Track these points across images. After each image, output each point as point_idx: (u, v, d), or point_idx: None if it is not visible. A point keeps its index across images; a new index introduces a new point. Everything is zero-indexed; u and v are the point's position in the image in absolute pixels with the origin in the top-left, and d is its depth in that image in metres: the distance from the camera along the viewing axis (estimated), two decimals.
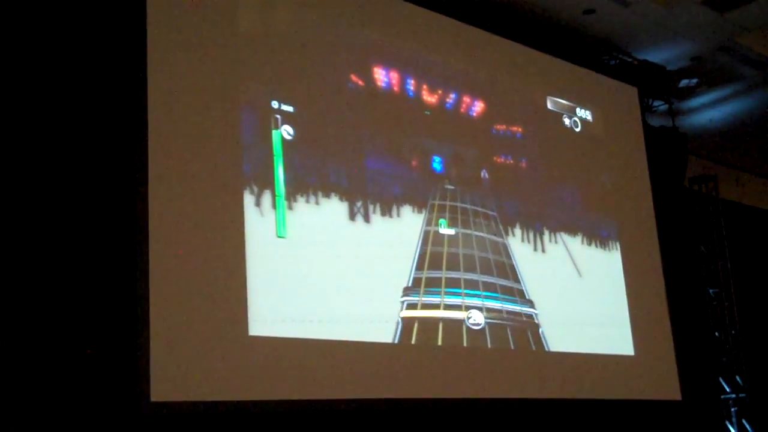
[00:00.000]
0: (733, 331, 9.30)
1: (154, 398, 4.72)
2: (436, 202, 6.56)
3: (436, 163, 6.70)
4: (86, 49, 5.18)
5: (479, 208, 6.84)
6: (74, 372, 4.74)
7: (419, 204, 6.43)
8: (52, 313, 4.77)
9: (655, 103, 9.14)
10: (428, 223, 6.44)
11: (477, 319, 6.44)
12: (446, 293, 6.34)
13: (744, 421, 9.07)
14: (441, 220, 6.53)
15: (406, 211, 6.32)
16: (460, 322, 6.35)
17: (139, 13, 5.25)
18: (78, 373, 4.75)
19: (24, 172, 4.88)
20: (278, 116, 5.77)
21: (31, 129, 4.95)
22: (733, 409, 9.08)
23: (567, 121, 7.92)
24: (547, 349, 6.87)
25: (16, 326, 4.64)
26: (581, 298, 7.35)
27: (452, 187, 6.71)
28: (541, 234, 7.26)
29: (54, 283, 4.82)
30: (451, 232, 6.57)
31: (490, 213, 6.92)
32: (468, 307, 6.43)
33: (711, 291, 9.44)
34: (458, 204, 6.70)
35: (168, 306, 4.89)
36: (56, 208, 4.92)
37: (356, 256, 5.89)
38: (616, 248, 7.89)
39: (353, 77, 6.35)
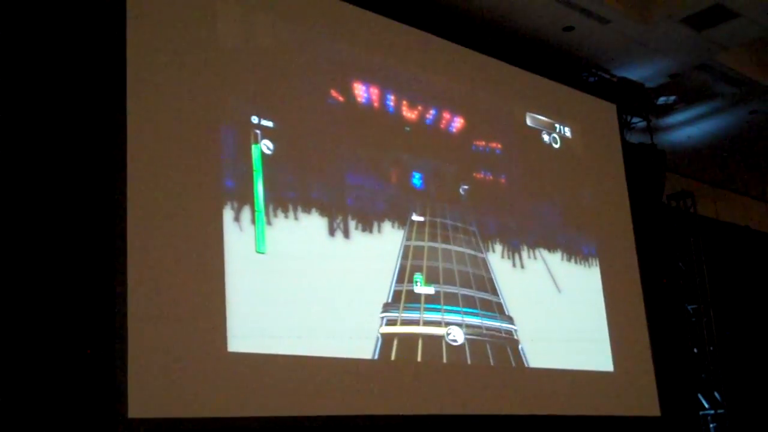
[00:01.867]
0: (711, 347, 9.33)
1: (131, 414, 4.67)
2: (416, 218, 6.56)
3: (416, 179, 6.70)
4: (65, 62, 5.16)
5: (459, 224, 6.85)
6: (51, 388, 4.70)
7: (399, 220, 6.42)
8: (28, 326, 4.72)
9: (634, 120, 9.20)
10: (408, 239, 6.43)
11: (456, 335, 6.43)
12: (425, 309, 6.33)
13: None
14: (421, 235, 6.52)
15: (386, 227, 6.31)
16: (439, 339, 6.34)
17: (119, 27, 5.23)
18: (55, 389, 4.70)
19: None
20: (258, 131, 5.76)
21: (8, 140, 4.91)
22: (711, 425, 9.11)
23: (546, 137, 7.95)
24: (526, 366, 6.87)
25: None
26: (560, 315, 7.35)
27: (432, 203, 6.71)
28: (521, 250, 7.27)
29: (31, 293, 4.77)
30: (432, 245, 6.56)
31: (470, 228, 6.92)
32: (447, 324, 6.41)
33: (689, 307, 9.48)
34: (438, 219, 6.70)
35: (146, 321, 4.85)
36: (32, 221, 4.88)
37: (336, 272, 5.87)
38: (595, 264, 7.90)
39: (333, 93, 6.35)
